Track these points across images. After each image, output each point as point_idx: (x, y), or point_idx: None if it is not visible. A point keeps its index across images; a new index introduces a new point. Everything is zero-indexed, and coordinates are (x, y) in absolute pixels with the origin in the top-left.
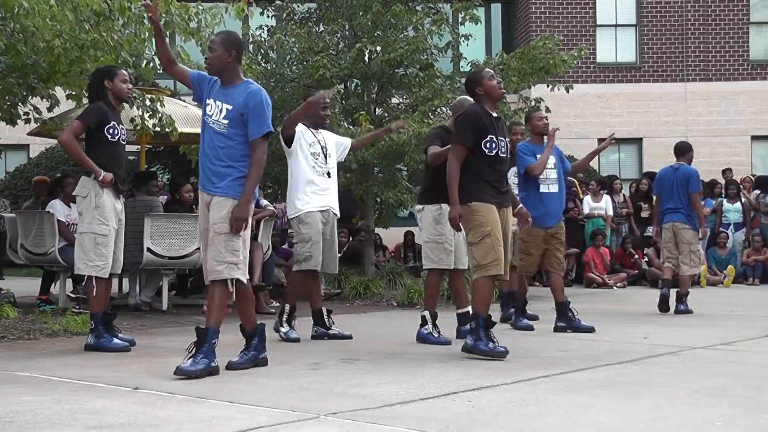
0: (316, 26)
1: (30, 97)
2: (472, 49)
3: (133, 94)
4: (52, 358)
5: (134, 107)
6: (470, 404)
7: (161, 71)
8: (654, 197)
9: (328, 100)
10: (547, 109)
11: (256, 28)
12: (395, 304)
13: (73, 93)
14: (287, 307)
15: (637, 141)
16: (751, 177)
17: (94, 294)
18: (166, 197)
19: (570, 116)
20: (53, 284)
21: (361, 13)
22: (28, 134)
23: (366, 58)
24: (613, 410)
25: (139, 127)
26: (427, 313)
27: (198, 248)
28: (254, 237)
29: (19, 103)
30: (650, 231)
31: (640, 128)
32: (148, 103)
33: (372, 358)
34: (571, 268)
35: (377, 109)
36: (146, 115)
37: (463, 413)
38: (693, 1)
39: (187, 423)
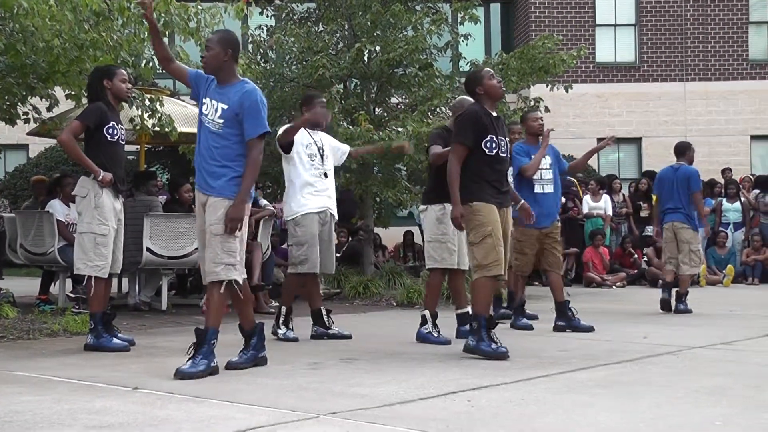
0: (315, 26)
1: (29, 96)
2: (471, 49)
3: (133, 94)
4: (52, 357)
5: (133, 107)
6: (470, 404)
7: (161, 71)
8: (654, 197)
9: (325, 101)
10: (547, 109)
11: (256, 28)
12: (394, 303)
13: (73, 93)
14: (283, 309)
15: (637, 141)
16: (751, 176)
17: (94, 294)
18: (165, 197)
19: (569, 116)
20: (53, 284)
21: (360, 13)
22: (28, 134)
23: (365, 58)
24: (612, 410)
25: (138, 127)
26: (427, 313)
27: (197, 248)
28: (254, 237)
29: (19, 103)
30: (649, 230)
31: (640, 128)
32: (147, 102)
33: (371, 357)
34: (570, 267)
35: (376, 109)
36: (146, 115)
37: (463, 413)
38: (692, 0)
39: (186, 423)
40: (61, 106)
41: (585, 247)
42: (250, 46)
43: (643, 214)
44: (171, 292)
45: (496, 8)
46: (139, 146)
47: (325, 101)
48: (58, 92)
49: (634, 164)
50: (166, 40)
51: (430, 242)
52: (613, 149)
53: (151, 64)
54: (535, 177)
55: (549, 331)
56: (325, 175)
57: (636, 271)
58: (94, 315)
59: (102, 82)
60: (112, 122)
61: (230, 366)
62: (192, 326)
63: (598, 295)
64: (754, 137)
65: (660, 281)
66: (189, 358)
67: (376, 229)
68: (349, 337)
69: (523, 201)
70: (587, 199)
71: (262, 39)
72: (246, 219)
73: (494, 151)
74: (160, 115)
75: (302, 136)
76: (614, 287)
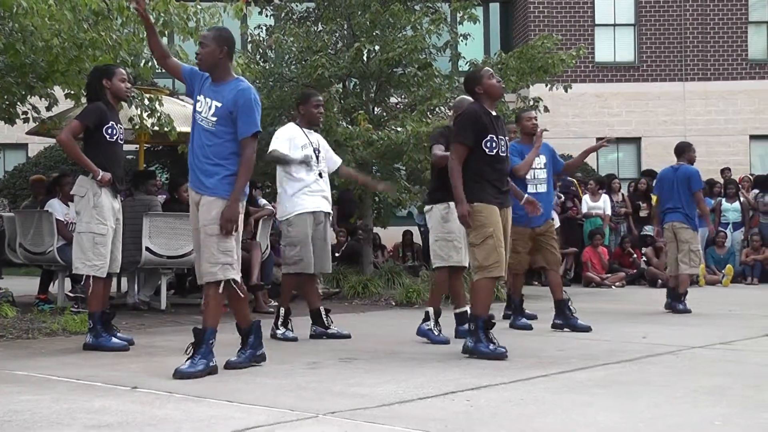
0: (314, 26)
1: (28, 96)
2: (470, 49)
3: (132, 94)
4: (51, 357)
5: (133, 106)
6: (469, 404)
7: (160, 70)
8: (653, 197)
9: (321, 99)
10: (546, 109)
11: (255, 28)
12: (394, 303)
13: (72, 92)
14: (282, 310)
15: (636, 140)
16: (750, 176)
17: (93, 293)
18: (164, 196)
19: (568, 116)
20: (52, 283)
21: (359, 13)
22: (27, 133)
23: (364, 58)
24: (611, 409)
25: (137, 127)
26: (431, 310)
27: None
28: (253, 236)
29: (18, 103)
30: (648, 230)
31: (639, 128)
32: (146, 102)
33: (370, 357)
34: (569, 267)
35: (376, 109)
36: (145, 115)
37: (462, 413)
38: (691, 0)
39: (185, 422)
40: (60, 106)
41: (584, 246)
42: (249, 46)
43: (642, 213)
44: (170, 292)
45: (495, 8)
46: (138, 146)
47: (321, 99)
48: (58, 92)
49: (633, 164)
50: (165, 39)
51: (436, 241)
52: (612, 149)
53: (150, 63)
54: (528, 176)
55: (548, 331)
56: (320, 174)
57: (635, 270)
58: (93, 314)
59: (101, 82)
60: (111, 122)
61: (229, 365)
62: (191, 326)
63: (597, 295)
64: (753, 137)
65: (660, 281)
66: (188, 358)
67: (375, 229)
68: (348, 336)
69: (527, 195)
70: (586, 198)
71: (261, 39)
72: (241, 217)
73: (494, 151)
74: (159, 114)
75: (298, 138)
76: (613, 287)
